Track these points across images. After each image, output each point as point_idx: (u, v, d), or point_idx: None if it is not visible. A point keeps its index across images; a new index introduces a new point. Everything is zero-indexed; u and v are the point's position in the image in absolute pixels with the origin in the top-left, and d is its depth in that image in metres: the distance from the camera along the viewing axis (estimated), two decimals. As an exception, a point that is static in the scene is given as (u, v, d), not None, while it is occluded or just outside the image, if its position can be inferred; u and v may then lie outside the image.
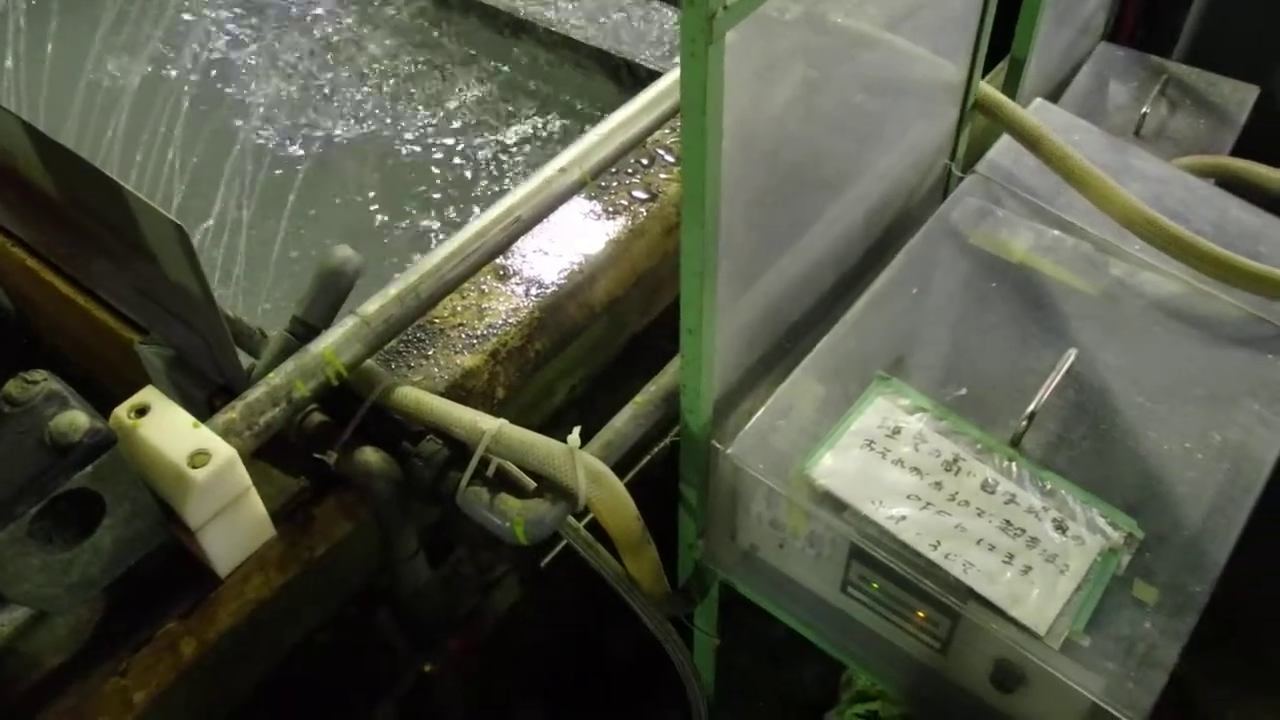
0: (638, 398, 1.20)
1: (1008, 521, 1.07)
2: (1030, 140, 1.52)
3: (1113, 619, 1.01)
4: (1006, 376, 1.26)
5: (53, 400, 0.93)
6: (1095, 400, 1.22)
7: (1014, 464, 1.13)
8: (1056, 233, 1.46)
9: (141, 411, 1.04)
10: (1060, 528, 1.06)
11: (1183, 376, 1.26)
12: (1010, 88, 1.75)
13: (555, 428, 1.49)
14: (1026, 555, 1.04)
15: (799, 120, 1.16)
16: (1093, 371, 1.26)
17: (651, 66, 1.95)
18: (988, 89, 1.57)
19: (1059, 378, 1.20)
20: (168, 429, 1.02)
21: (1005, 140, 1.57)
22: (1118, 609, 1.01)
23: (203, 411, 1.26)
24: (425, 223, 1.79)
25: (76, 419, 0.90)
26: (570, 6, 2.24)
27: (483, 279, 1.34)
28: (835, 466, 1.13)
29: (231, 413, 1.07)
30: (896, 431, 1.17)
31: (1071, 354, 1.23)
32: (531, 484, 1.10)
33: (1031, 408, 1.16)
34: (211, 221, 1.71)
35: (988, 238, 1.47)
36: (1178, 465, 1.15)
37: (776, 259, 1.22)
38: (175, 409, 1.05)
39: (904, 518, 1.07)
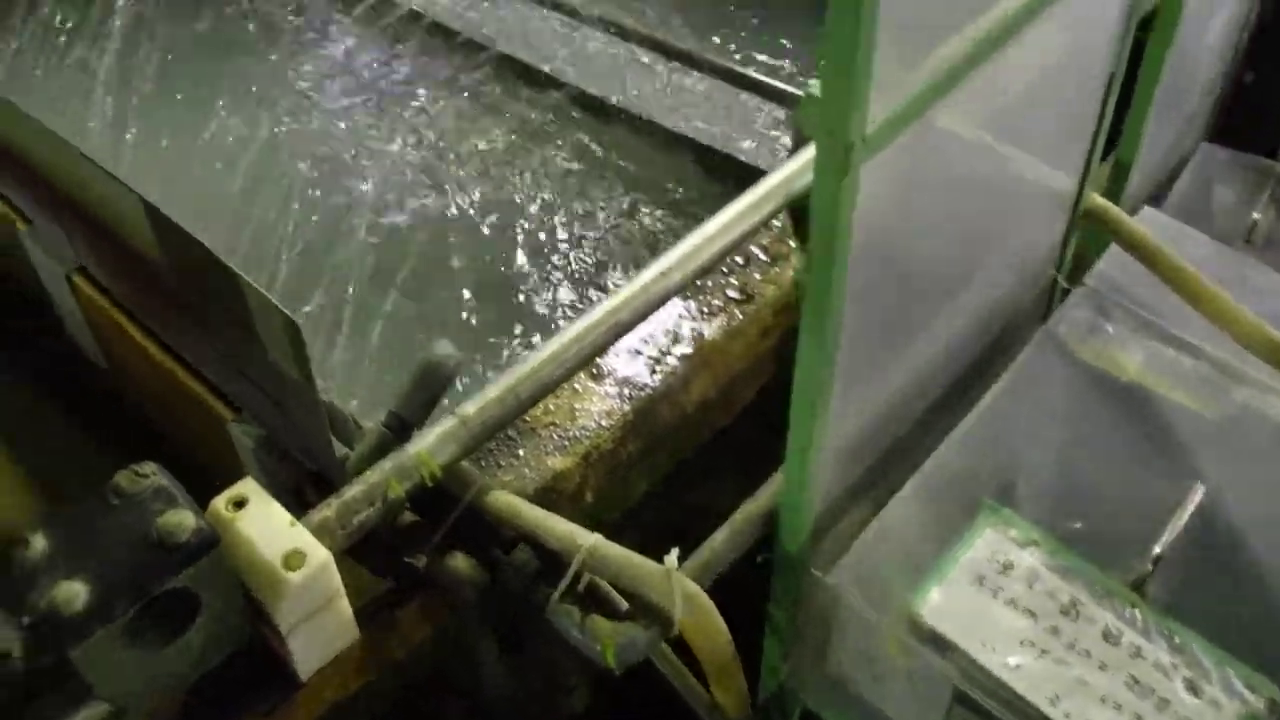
0: (735, 516, 1.16)
1: (1134, 678, 1.00)
2: (1142, 252, 1.47)
3: (1253, 797, 0.93)
4: (1125, 509, 1.19)
5: (160, 495, 0.92)
6: (1223, 541, 1.15)
7: (1138, 611, 1.06)
8: (1172, 351, 1.40)
9: (239, 504, 1.03)
10: (1193, 689, 0.99)
11: (1318, 518, 1.19)
12: (1114, 191, 1.71)
13: (631, 523, 1.46)
14: (1156, 719, 0.97)
15: (912, 235, 1.13)
16: (1220, 507, 1.19)
17: (743, 159, 1.95)
18: (1097, 198, 1.52)
19: (1185, 517, 1.13)
20: (264, 525, 1.01)
21: (1114, 250, 1.52)
22: (1258, 786, 0.93)
23: (288, 496, 1.25)
24: (521, 307, 1.80)
25: (184, 519, 0.89)
26: (654, 88, 2.26)
27: (576, 377, 1.33)
28: (943, 603, 1.07)
29: (327, 511, 1.06)
30: (1008, 567, 1.11)
31: (1199, 491, 1.16)
32: (623, 603, 1.06)
33: (1157, 550, 1.10)
34: (314, 303, 1.74)
35: (1098, 354, 1.41)
36: (1317, 621, 1.07)
37: (883, 375, 1.19)
38: (272, 504, 1.04)
39: (1019, 666, 1.01)
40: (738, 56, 2.35)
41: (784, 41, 2.40)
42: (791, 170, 1.40)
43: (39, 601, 0.87)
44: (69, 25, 2.49)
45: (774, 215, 1.44)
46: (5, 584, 0.88)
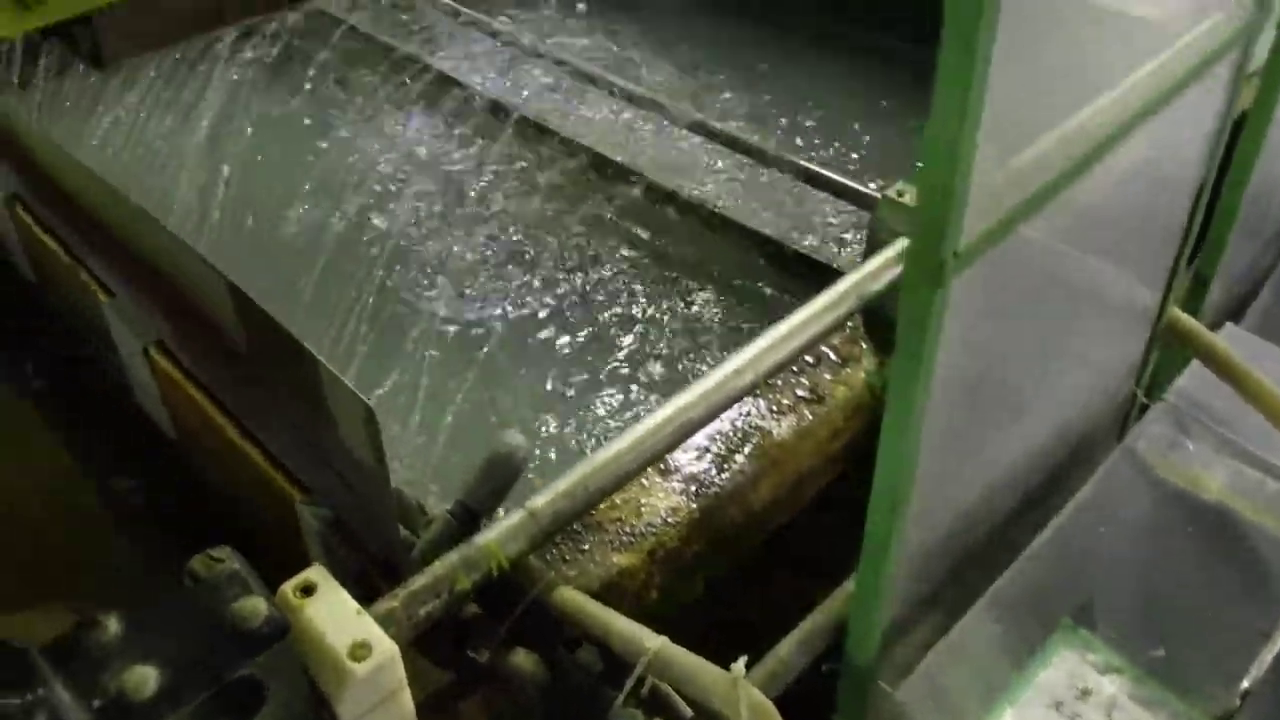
0: (804, 624, 1.13)
1: (1227, 825, 0.94)
2: (1224, 369, 1.44)
3: None
4: (1209, 636, 1.14)
5: (234, 581, 0.93)
6: (1315, 679, 1.10)
7: (1227, 750, 1.01)
8: (1256, 473, 1.36)
9: (307, 590, 1.03)
10: (1292, 842, 0.93)
11: None
12: (1193, 305, 1.68)
13: (687, 617, 1.42)
14: None
15: (996, 345, 1.12)
16: (1310, 642, 1.13)
17: (815, 257, 1.96)
18: (1178, 312, 1.50)
19: (1275, 650, 1.08)
20: (331, 614, 1.00)
21: (1195, 366, 1.49)
22: None
23: (352, 579, 1.25)
24: (592, 398, 1.81)
25: (258, 606, 0.89)
26: (723, 181, 2.30)
27: (644, 472, 1.32)
28: (1020, 729, 1.03)
29: (394, 601, 1.06)
30: (1087, 693, 1.06)
31: (1289, 624, 1.11)
32: (687, 710, 1.03)
33: (1245, 685, 1.04)
34: (388, 387, 1.77)
35: (1178, 471, 1.37)
36: None
37: (961, 483, 1.16)
38: (340, 591, 1.03)
39: (1102, 803, 0.96)
40: (812, 155, 2.39)
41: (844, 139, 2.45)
42: (867, 272, 1.40)
43: (110, 684, 0.87)
44: (163, 99, 2.59)
45: (848, 317, 1.44)
46: (78, 665, 0.88)
